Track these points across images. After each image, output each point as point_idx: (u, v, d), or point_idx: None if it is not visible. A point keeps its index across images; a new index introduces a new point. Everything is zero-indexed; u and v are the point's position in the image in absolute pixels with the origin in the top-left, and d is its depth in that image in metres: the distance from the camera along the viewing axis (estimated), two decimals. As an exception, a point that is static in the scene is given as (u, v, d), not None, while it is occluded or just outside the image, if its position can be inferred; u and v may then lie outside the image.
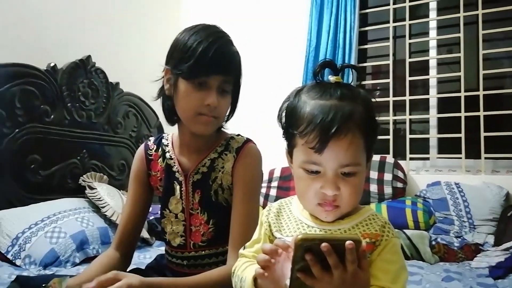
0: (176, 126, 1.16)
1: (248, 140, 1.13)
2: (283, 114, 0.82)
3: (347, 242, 0.60)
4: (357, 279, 0.62)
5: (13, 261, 1.75)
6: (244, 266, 0.83)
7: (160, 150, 1.17)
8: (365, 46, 3.11)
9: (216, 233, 1.08)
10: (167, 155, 1.15)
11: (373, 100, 0.81)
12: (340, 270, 0.61)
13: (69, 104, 2.37)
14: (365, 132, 0.75)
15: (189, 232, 1.10)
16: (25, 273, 1.59)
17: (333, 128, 0.71)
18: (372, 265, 0.74)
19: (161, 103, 1.13)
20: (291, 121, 0.79)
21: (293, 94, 0.82)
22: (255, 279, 0.75)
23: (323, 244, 0.60)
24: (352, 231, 0.76)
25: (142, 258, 1.89)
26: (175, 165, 1.13)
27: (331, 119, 0.72)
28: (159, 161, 1.16)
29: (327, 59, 0.83)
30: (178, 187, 1.11)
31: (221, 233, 1.07)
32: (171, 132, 1.22)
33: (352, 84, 0.83)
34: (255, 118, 2.84)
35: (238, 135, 1.15)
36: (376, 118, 0.80)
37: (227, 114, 1.13)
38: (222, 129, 1.16)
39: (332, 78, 0.79)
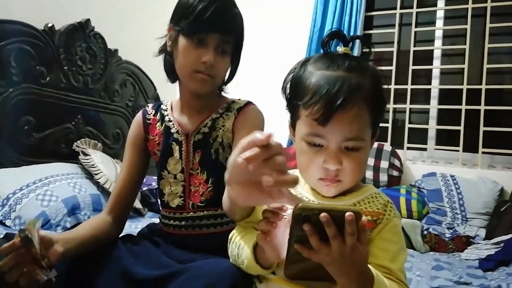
0: (173, 95, 1.14)
1: (249, 102, 1.15)
2: (288, 85, 0.79)
3: (347, 214, 0.58)
4: (355, 252, 0.60)
5: (3, 221, 1.72)
6: (242, 233, 0.81)
7: (158, 114, 1.17)
8: (370, 32, 3.07)
9: (215, 193, 1.06)
10: (166, 118, 1.15)
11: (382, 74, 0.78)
12: (339, 242, 0.59)
13: (65, 68, 2.30)
14: (371, 106, 0.73)
15: (188, 193, 1.09)
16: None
17: (338, 100, 0.69)
18: (372, 244, 0.73)
19: (162, 61, 1.16)
20: (296, 92, 0.77)
21: (299, 65, 0.79)
22: (254, 247, 0.74)
23: (322, 214, 0.58)
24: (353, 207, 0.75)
25: (134, 227, 1.87)
26: (174, 126, 1.13)
27: (337, 91, 0.69)
28: (157, 125, 1.16)
29: (336, 29, 0.81)
30: (177, 147, 1.11)
31: (220, 193, 1.02)
32: (170, 100, 1.21)
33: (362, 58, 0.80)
34: (254, 97, 2.80)
35: (239, 99, 1.16)
36: (384, 94, 0.77)
37: (227, 76, 1.14)
38: (223, 93, 1.17)
39: (340, 49, 0.77)
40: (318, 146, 0.73)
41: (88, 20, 2.42)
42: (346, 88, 0.70)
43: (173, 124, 1.13)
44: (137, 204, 2.16)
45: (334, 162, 0.72)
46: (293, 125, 0.80)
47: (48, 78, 2.21)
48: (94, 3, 2.60)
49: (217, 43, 1.04)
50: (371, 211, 0.75)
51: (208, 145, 1.10)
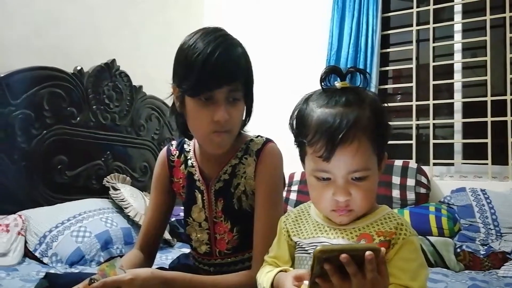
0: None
1: (267, 141, 1.09)
2: (294, 121, 0.84)
3: (367, 253, 0.61)
4: (375, 284, 0.63)
5: (41, 259, 1.80)
6: (263, 273, 0.87)
7: (182, 156, 1.16)
8: (387, 50, 3.07)
9: (241, 240, 1.07)
10: (189, 162, 1.14)
11: (382, 103, 0.81)
12: (359, 278, 0.62)
13: (94, 107, 2.42)
14: (373, 135, 0.76)
15: (214, 240, 1.10)
16: (52, 271, 1.63)
17: (339, 136, 0.73)
18: (390, 264, 0.74)
19: (174, 119, 1.11)
20: (300, 130, 0.81)
21: (302, 101, 0.83)
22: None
23: (343, 255, 0.61)
24: (367, 229, 0.78)
25: (164, 258, 1.91)
26: (196, 173, 1.12)
27: (336, 127, 0.73)
28: (181, 168, 1.16)
29: (332, 66, 0.84)
30: (199, 196, 1.11)
31: (246, 239, 1.06)
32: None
33: (362, 87, 0.82)
34: (276, 121, 2.82)
35: (258, 136, 1.12)
36: (386, 120, 0.81)
37: (244, 118, 1.08)
38: (242, 131, 1.11)
39: (338, 84, 0.80)
40: (326, 180, 0.77)
41: (113, 60, 2.55)
42: (345, 123, 0.73)
43: (195, 170, 1.12)
44: (167, 235, 2.21)
45: (343, 194, 0.75)
46: (302, 159, 0.84)
47: (78, 118, 2.33)
48: (117, 43, 2.73)
49: (226, 95, 0.97)
50: (384, 231, 0.77)
51: (229, 194, 1.08)
